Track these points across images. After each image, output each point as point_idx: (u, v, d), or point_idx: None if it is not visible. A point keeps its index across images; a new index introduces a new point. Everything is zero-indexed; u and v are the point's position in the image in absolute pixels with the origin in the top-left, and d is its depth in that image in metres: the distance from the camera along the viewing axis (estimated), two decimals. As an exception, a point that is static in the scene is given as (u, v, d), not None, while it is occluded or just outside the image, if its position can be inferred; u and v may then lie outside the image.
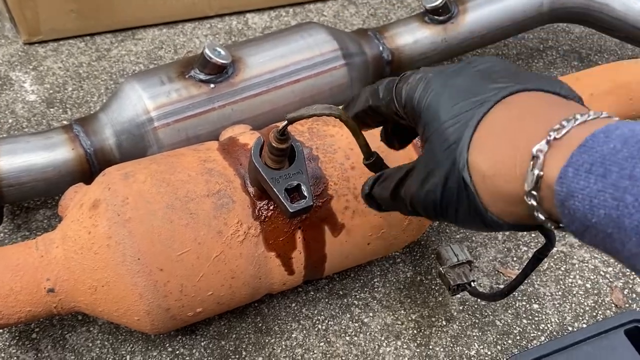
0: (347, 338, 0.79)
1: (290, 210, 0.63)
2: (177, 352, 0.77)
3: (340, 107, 0.60)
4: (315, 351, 0.78)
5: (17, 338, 0.76)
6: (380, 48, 0.96)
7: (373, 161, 0.61)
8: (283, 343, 0.78)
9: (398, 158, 0.74)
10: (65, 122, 0.97)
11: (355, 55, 0.92)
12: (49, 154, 0.79)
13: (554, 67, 1.14)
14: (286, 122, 0.60)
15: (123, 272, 0.65)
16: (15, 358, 0.75)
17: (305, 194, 0.64)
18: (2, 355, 0.75)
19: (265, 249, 0.70)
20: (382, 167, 0.61)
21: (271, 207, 0.69)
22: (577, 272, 0.87)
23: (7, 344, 0.76)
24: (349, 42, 0.93)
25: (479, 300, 0.84)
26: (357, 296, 0.83)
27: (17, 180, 0.78)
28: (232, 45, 0.89)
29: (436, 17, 0.98)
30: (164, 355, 0.76)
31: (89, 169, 0.81)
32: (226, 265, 0.68)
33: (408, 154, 0.74)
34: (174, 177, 0.69)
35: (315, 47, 0.89)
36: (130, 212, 0.66)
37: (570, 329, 0.82)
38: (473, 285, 0.77)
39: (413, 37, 0.98)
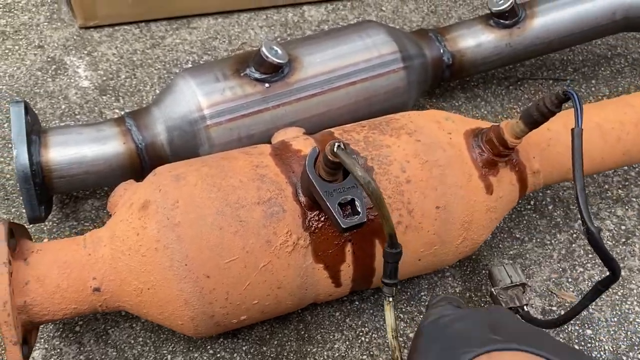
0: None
1: (343, 226, 0.61)
2: (219, 355, 0.76)
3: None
4: (357, 364, 0.76)
5: (61, 330, 0.76)
6: (441, 50, 0.93)
7: (397, 252, 0.59)
8: (325, 353, 0.77)
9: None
10: (117, 111, 0.97)
11: (414, 57, 0.89)
12: (100, 146, 0.79)
13: (622, 76, 1.08)
14: (338, 146, 0.58)
15: (170, 277, 0.64)
16: (58, 350, 0.75)
17: (359, 209, 0.62)
18: (46, 346, 0.75)
19: (314, 261, 0.68)
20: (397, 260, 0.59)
21: (322, 218, 0.67)
22: (635, 298, 0.83)
23: (51, 335, 0.76)
24: (408, 43, 0.89)
25: (530, 322, 0.81)
26: (403, 309, 0.81)
27: (68, 172, 0.77)
28: (289, 42, 0.87)
29: (502, 20, 0.93)
30: (205, 357, 0.76)
31: (140, 163, 0.80)
32: (273, 275, 0.67)
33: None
34: (225, 182, 0.67)
35: (374, 49, 0.86)
36: (180, 216, 0.65)
37: (625, 358, 0.78)
38: (526, 309, 0.74)
39: (476, 40, 0.94)
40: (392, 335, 0.64)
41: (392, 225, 0.56)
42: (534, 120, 0.67)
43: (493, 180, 0.73)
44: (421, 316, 0.80)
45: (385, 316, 0.64)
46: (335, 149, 0.58)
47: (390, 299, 0.63)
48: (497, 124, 0.72)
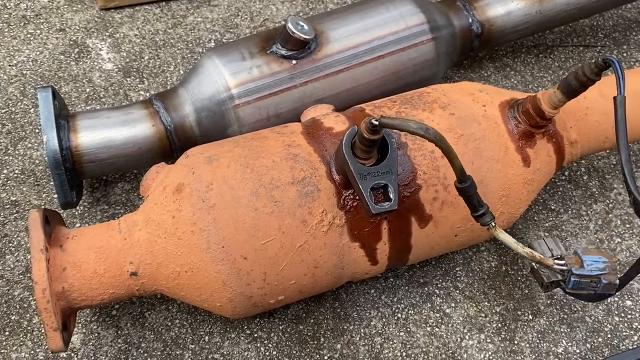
0: (428, 329, 0.77)
1: (373, 212, 0.60)
2: (256, 335, 0.76)
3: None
4: (394, 341, 0.76)
5: (98, 314, 0.77)
6: (470, 20, 0.90)
7: (467, 186, 0.58)
8: (362, 331, 0.77)
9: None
10: (142, 93, 0.96)
11: (443, 28, 0.87)
12: (129, 129, 0.78)
13: (655, 40, 1.05)
14: (378, 118, 0.57)
15: (207, 259, 0.64)
16: (96, 334, 0.75)
17: (391, 196, 0.60)
18: (84, 331, 0.75)
19: (350, 239, 0.67)
20: (473, 194, 0.58)
21: (357, 197, 0.66)
22: (675, 267, 0.82)
23: (88, 319, 0.76)
24: (436, 13, 0.87)
25: (568, 295, 0.80)
26: (439, 285, 0.80)
27: (98, 156, 0.77)
28: (314, 17, 0.85)
29: (532, -13, 0.91)
30: (242, 338, 0.76)
31: (169, 145, 0.80)
32: (310, 255, 0.66)
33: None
34: (258, 163, 0.66)
35: (401, 20, 0.84)
36: (214, 199, 0.64)
37: (666, 329, 0.77)
38: (566, 282, 0.73)
39: (506, 8, 0.91)
40: (521, 248, 0.61)
41: (460, 162, 0.56)
42: (572, 89, 0.65)
43: (530, 152, 0.71)
44: (457, 292, 0.80)
45: (502, 240, 0.61)
46: (374, 122, 0.57)
47: (493, 224, 0.60)
48: (533, 94, 0.70)
